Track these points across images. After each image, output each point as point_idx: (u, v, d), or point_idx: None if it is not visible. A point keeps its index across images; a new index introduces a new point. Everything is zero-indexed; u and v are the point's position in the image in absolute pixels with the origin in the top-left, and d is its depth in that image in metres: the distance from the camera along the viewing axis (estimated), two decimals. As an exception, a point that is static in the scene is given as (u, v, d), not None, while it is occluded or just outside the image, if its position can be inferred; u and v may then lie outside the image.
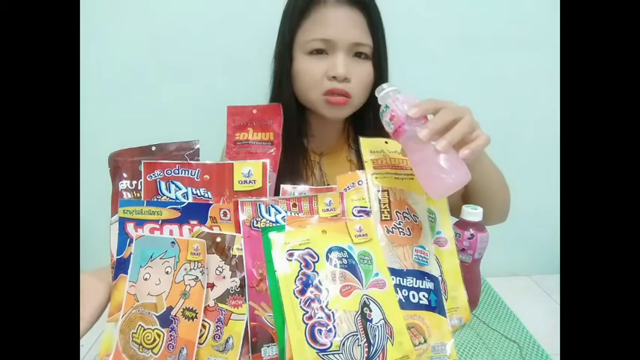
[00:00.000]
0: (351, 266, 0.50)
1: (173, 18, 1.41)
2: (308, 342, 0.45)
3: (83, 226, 0.79)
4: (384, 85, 0.54)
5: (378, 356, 0.46)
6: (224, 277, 0.49)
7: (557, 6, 0.57)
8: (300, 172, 0.74)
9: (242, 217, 0.51)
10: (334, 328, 0.46)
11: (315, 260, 0.49)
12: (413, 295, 0.53)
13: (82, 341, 0.48)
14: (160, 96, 1.49)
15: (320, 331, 0.45)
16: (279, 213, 0.52)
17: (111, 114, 1.49)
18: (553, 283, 1.83)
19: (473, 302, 0.63)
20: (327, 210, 0.55)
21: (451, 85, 1.31)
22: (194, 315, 0.47)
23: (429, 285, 0.54)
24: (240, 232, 0.50)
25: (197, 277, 0.48)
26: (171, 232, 0.52)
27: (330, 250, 0.50)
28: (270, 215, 0.52)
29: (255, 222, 0.51)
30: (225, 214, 0.52)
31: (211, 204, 0.53)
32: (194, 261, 0.49)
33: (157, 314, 0.48)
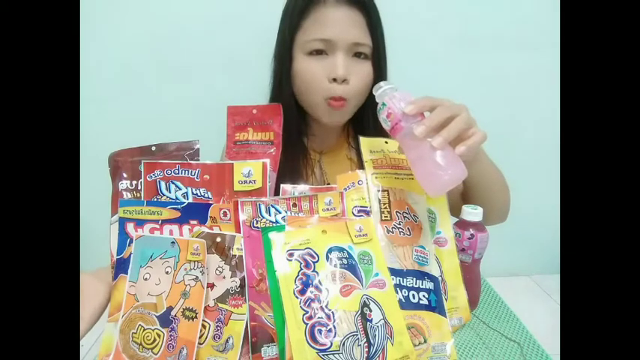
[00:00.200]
0: (351, 266, 0.50)
1: (173, 18, 1.41)
2: (308, 342, 0.45)
3: (83, 226, 0.79)
4: (382, 83, 0.55)
5: (378, 356, 0.46)
6: (224, 277, 0.49)
7: (557, 6, 0.57)
8: (300, 171, 0.74)
9: (242, 217, 0.51)
10: (334, 328, 0.46)
11: (315, 260, 0.49)
12: (413, 295, 0.53)
13: (82, 341, 0.48)
14: (160, 96, 1.49)
15: (320, 331, 0.45)
16: (279, 213, 0.52)
17: (111, 114, 1.49)
18: (553, 283, 1.83)
19: (473, 302, 0.63)
20: (327, 210, 0.55)
21: (451, 85, 1.31)
22: (194, 315, 0.47)
23: (429, 285, 0.54)
24: (240, 232, 0.50)
25: (197, 277, 0.48)
26: (171, 232, 0.52)
27: (330, 250, 0.50)
28: (270, 215, 0.52)
29: (255, 222, 0.51)
30: (225, 214, 0.52)
31: (211, 204, 0.53)
32: (194, 261, 0.49)
33: (157, 314, 0.48)
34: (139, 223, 0.53)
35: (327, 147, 0.80)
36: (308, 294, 0.47)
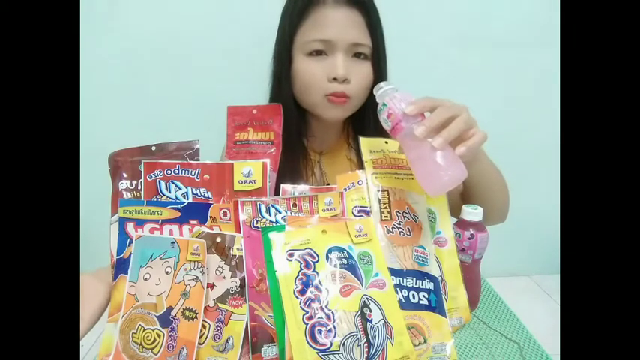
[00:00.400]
0: (351, 266, 0.50)
1: (173, 18, 1.41)
2: (308, 342, 0.45)
3: (83, 226, 0.79)
4: (382, 84, 0.55)
5: (378, 356, 0.46)
6: (224, 277, 0.49)
7: (557, 5, 0.57)
8: (300, 171, 0.74)
9: (242, 217, 0.51)
10: (334, 328, 0.46)
11: (315, 260, 0.49)
12: (413, 295, 0.53)
13: (82, 341, 0.48)
14: (160, 96, 1.49)
15: (320, 331, 0.45)
16: (279, 213, 0.52)
17: (111, 114, 1.49)
18: (553, 283, 1.83)
19: (473, 302, 0.63)
20: (327, 210, 0.55)
21: (450, 85, 1.31)
22: (194, 315, 0.47)
23: (429, 285, 0.54)
24: (240, 232, 0.50)
25: (197, 277, 0.48)
26: (171, 232, 0.52)
27: (330, 250, 0.50)
28: (270, 215, 0.52)
29: (255, 222, 0.51)
30: (225, 214, 0.52)
31: (211, 204, 0.53)
32: (194, 261, 0.49)
33: (157, 314, 0.48)
34: (139, 223, 0.53)
35: (326, 147, 0.80)
36: (308, 294, 0.47)
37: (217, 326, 0.48)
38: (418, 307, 0.52)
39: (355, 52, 0.67)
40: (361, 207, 0.56)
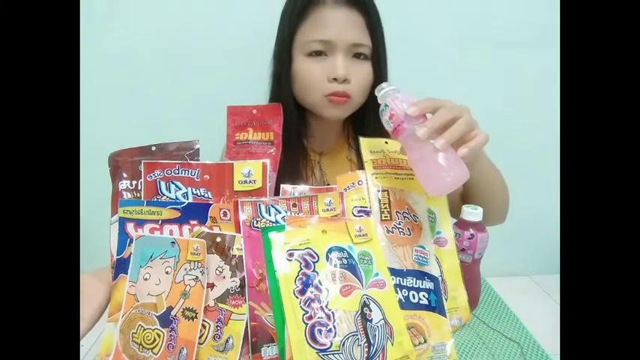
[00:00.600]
0: (351, 266, 0.50)
1: (173, 18, 1.41)
2: (308, 342, 0.45)
3: (83, 226, 0.79)
4: (384, 85, 0.55)
5: (378, 356, 0.46)
6: (224, 277, 0.49)
7: (557, 5, 0.57)
8: (300, 172, 0.74)
9: (242, 217, 0.51)
10: (334, 328, 0.46)
11: (315, 260, 0.49)
12: (413, 295, 0.53)
13: (82, 341, 0.48)
14: (160, 96, 1.48)
15: (320, 331, 0.45)
16: (279, 213, 0.52)
17: (111, 114, 1.49)
18: (553, 283, 1.83)
19: (473, 302, 0.63)
20: (327, 210, 0.55)
21: (451, 85, 1.31)
22: (194, 315, 0.47)
23: (429, 285, 0.54)
24: (240, 232, 0.50)
25: (197, 277, 0.48)
26: (171, 232, 0.52)
27: (330, 250, 0.50)
28: (270, 215, 0.52)
29: (255, 222, 0.51)
30: (225, 214, 0.52)
31: (211, 204, 0.53)
32: (194, 261, 0.49)
33: (157, 314, 0.48)
34: (139, 223, 0.53)
35: (326, 148, 0.80)
36: (308, 294, 0.47)
37: (217, 326, 0.48)
38: (418, 307, 0.52)
39: (355, 52, 0.67)
40: (361, 207, 0.56)
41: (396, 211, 0.56)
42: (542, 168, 1.59)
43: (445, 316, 0.53)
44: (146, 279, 0.50)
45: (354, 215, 0.56)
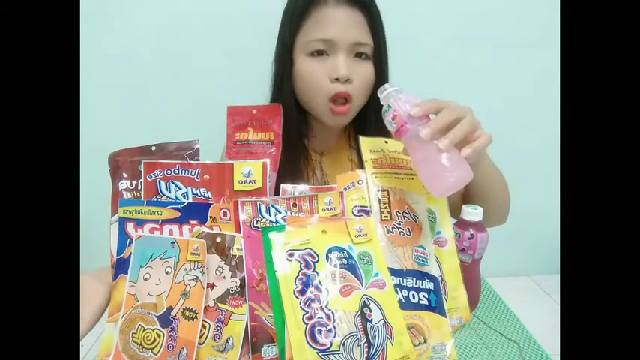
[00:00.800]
0: (351, 266, 0.50)
1: (173, 18, 1.41)
2: (308, 342, 0.45)
3: (83, 226, 0.79)
4: (387, 85, 0.55)
5: (378, 356, 0.46)
6: (224, 277, 0.49)
7: (557, 5, 0.57)
8: (301, 172, 0.74)
9: (242, 217, 0.51)
10: (334, 328, 0.46)
11: (315, 260, 0.49)
12: (413, 295, 0.53)
13: (82, 341, 0.48)
14: (160, 96, 1.49)
15: (320, 331, 0.45)
16: (279, 213, 0.52)
17: (111, 114, 1.49)
18: (553, 283, 1.83)
19: (473, 302, 0.63)
20: (327, 210, 0.55)
21: (451, 85, 1.31)
22: (194, 315, 0.47)
23: (429, 285, 0.54)
24: (240, 232, 0.50)
25: (197, 277, 0.48)
26: (171, 232, 0.52)
27: (330, 250, 0.50)
28: (270, 215, 0.52)
29: (255, 222, 0.51)
30: (225, 214, 0.52)
31: (211, 204, 0.53)
32: (194, 261, 0.49)
33: (157, 314, 0.48)
34: (139, 223, 0.53)
35: (327, 148, 0.80)
36: (308, 294, 0.47)
37: (217, 326, 0.48)
38: (418, 307, 0.52)
39: (357, 51, 0.67)
40: (361, 207, 0.56)
41: (396, 211, 0.56)
42: (542, 168, 1.59)
43: (445, 316, 0.53)
44: (146, 279, 0.50)
45: (354, 215, 0.56)
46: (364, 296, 0.49)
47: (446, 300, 0.56)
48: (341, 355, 0.45)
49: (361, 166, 0.60)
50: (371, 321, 0.48)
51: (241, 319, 0.48)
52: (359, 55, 0.67)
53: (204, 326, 0.48)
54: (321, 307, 0.47)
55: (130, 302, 0.50)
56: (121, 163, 0.57)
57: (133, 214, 0.53)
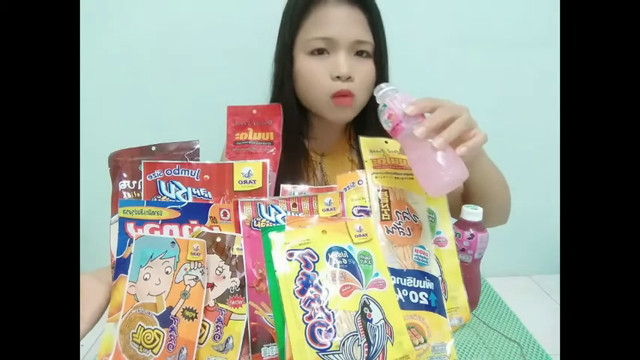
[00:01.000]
0: (351, 266, 0.50)
1: (173, 18, 1.41)
2: (308, 342, 0.45)
3: (83, 226, 0.79)
4: (383, 85, 0.55)
5: (378, 356, 0.46)
6: (224, 277, 0.49)
7: (557, 5, 0.57)
8: (301, 173, 0.74)
9: (242, 217, 0.51)
10: (334, 328, 0.46)
11: (315, 260, 0.49)
12: (413, 295, 0.53)
13: (82, 341, 0.48)
14: (160, 96, 1.48)
15: (320, 331, 0.45)
16: (279, 213, 0.52)
17: (111, 114, 1.49)
18: (553, 283, 1.83)
19: (473, 302, 0.63)
20: (327, 210, 0.55)
21: (451, 85, 1.31)
22: (194, 315, 0.47)
23: (429, 285, 0.54)
24: (240, 232, 0.50)
25: (197, 277, 0.48)
26: (171, 232, 0.52)
27: (330, 250, 0.50)
28: (270, 215, 0.52)
29: (255, 222, 0.51)
30: (225, 214, 0.52)
31: (211, 204, 0.53)
32: (194, 261, 0.49)
33: (157, 314, 0.48)
34: (139, 223, 0.53)
35: (328, 149, 0.80)
36: (308, 294, 0.47)
37: (217, 326, 0.48)
38: (418, 307, 0.52)
39: (358, 50, 0.67)
40: (361, 207, 0.56)
41: (396, 211, 0.56)
42: (542, 168, 1.59)
43: (445, 316, 0.53)
44: (146, 279, 0.50)
45: (354, 215, 0.56)
46: (364, 296, 0.49)
47: (446, 300, 0.56)
48: (341, 355, 0.45)
49: (361, 167, 0.60)
50: (371, 321, 0.48)
51: (241, 319, 0.48)
52: (359, 54, 0.68)
53: (204, 326, 0.48)
54: (321, 307, 0.47)
55: (130, 302, 0.50)
56: (121, 163, 0.57)
57: (133, 214, 0.53)
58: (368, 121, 0.74)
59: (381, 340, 0.47)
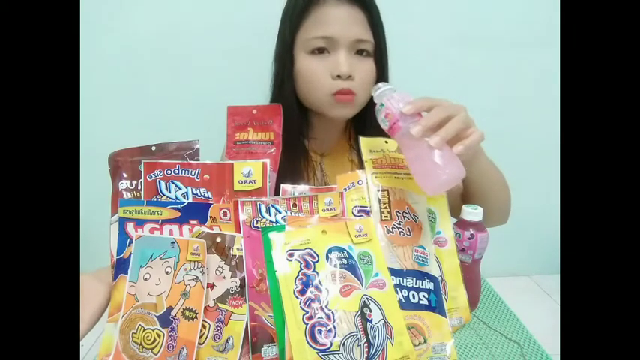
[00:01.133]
0: (351, 266, 0.50)
1: (173, 18, 1.41)
2: (308, 342, 0.45)
3: (83, 226, 0.79)
4: (380, 84, 0.55)
5: (378, 356, 0.46)
6: (224, 277, 0.49)
7: (557, 5, 0.57)
8: (301, 173, 0.74)
9: (242, 217, 0.51)
10: (334, 328, 0.46)
11: (315, 260, 0.49)
12: (413, 295, 0.53)
13: (82, 341, 0.48)
14: (160, 96, 1.49)
15: (320, 331, 0.45)
16: (279, 213, 0.52)
17: (111, 114, 1.49)
18: (553, 283, 1.83)
19: (473, 302, 0.63)
20: (327, 210, 0.55)
21: (450, 85, 1.31)
22: (194, 315, 0.47)
23: (429, 285, 0.54)
24: (240, 232, 0.50)
25: (197, 277, 0.48)
26: (171, 232, 0.52)
27: (330, 250, 0.50)
28: (270, 215, 0.52)
29: (255, 222, 0.51)
30: (225, 214, 0.52)
31: (211, 204, 0.53)
32: (194, 261, 0.49)
33: (157, 314, 0.48)
34: (139, 223, 0.53)
35: (328, 149, 0.80)
36: (308, 294, 0.47)
37: (217, 326, 0.48)
38: (418, 307, 0.52)
39: (358, 48, 0.67)
40: (361, 207, 0.56)
41: (396, 211, 0.56)
42: (542, 168, 1.59)
43: (445, 316, 0.53)
44: (146, 279, 0.50)
45: (354, 215, 0.56)
46: (364, 296, 0.49)
47: (446, 300, 0.56)
48: (341, 355, 0.45)
49: (361, 167, 0.60)
50: (371, 321, 0.48)
51: (241, 319, 0.48)
52: (360, 52, 0.68)
53: (204, 326, 0.48)
54: (321, 307, 0.47)
55: (130, 302, 0.50)
56: (121, 163, 0.57)
57: (133, 214, 0.53)
58: (368, 121, 0.74)
59: (381, 340, 0.47)
